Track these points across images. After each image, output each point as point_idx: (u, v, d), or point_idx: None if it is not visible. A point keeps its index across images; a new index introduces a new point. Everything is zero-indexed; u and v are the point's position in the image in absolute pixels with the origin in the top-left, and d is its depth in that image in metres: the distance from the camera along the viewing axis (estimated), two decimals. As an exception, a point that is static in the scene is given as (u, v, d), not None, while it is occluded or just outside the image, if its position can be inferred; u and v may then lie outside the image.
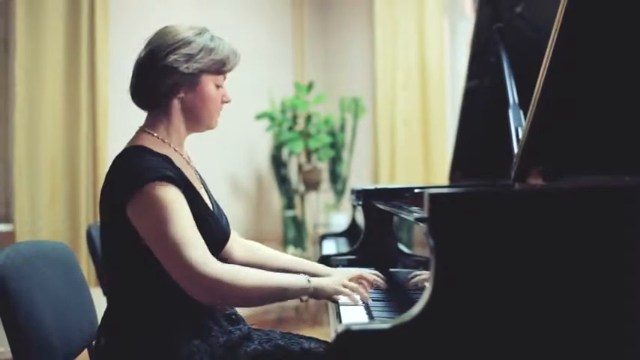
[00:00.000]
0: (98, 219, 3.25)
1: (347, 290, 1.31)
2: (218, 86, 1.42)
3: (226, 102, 1.45)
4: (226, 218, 1.50)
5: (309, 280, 1.29)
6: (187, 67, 1.34)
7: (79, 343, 1.44)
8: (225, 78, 1.44)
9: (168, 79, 1.34)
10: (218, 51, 1.39)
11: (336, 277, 1.37)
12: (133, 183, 1.24)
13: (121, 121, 3.44)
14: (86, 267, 3.08)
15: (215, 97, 1.41)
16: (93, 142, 3.31)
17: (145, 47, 1.39)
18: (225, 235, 1.46)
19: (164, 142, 1.39)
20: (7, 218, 3.23)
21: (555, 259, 0.90)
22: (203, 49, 1.37)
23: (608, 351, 0.90)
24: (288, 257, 1.64)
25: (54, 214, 3.19)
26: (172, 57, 1.34)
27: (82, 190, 3.26)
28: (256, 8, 4.48)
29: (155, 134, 1.39)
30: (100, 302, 1.61)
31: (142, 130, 1.40)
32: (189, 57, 1.35)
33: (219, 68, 1.40)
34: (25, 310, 1.23)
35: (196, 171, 1.49)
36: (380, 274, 1.44)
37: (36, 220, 3.13)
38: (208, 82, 1.39)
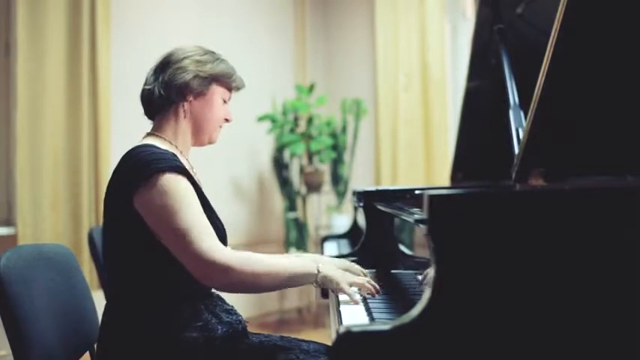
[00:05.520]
0: (100, 222, 3.27)
1: (350, 291, 1.32)
2: (224, 101, 1.49)
3: (227, 120, 1.52)
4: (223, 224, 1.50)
5: (318, 269, 1.30)
6: (202, 71, 1.43)
7: (80, 346, 1.44)
8: (229, 98, 1.52)
9: (181, 78, 1.41)
10: (227, 65, 1.49)
11: (345, 274, 1.35)
12: (142, 172, 1.27)
13: (123, 125, 3.45)
14: (88, 270, 3.08)
15: (220, 109, 1.48)
16: (95, 145, 3.31)
17: (159, 58, 1.47)
18: (225, 238, 1.46)
19: (171, 144, 1.43)
20: (10, 221, 3.23)
21: (556, 261, 0.90)
22: (216, 61, 1.47)
23: (610, 352, 0.90)
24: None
25: (56, 217, 3.20)
26: (188, 60, 1.43)
27: (84, 193, 3.26)
28: (257, 10, 4.49)
29: (163, 136, 1.44)
30: (101, 305, 1.60)
31: (148, 134, 1.46)
32: (204, 63, 1.44)
33: (228, 81, 1.48)
34: (26, 314, 1.23)
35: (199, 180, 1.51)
36: (376, 285, 1.38)
37: (38, 223, 3.14)
38: (217, 93, 1.47)
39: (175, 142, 1.44)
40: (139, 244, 1.29)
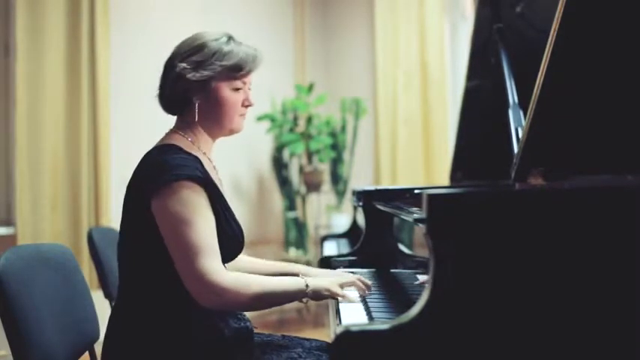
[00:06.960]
0: (99, 222, 3.28)
1: (342, 292, 1.32)
2: (237, 89, 1.42)
3: (248, 106, 1.45)
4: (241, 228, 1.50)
5: (307, 284, 1.29)
6: (194, 75, 1.36)
7: (79, 347, 1.44)
8: (245, 82, 1.43)
9: (179, 86, 1.38)
10: (231, 56, 1.38)
11: (332, 279, 1.36)
12: (163, 178, 1.25)
13: (123, 125, 3.45)
14: (87, 270, 3.08)
15: (233, 101, 1.41)
16: (94, 145, 3.31)
17: (165, 61, 1.43)
18: (242, 242, 1.46)
19: (193, 144, 1.41)
20: (9, 221, 3.23)
21: (555, 260, 0.90)
22: (214, 55, 1.37)
23: (610, 352, 0.89)
24: (269, 265, 1.62)
25: (55, 217, 3.20)
26: (182, 65, 1.36)
27: (84, 193, 3.26)
28: (257, 9, 4.48)
29: (185, 135, 1.41)
30: (101, 305, 1.60)
31: (172, 132, 1.44)
32: (198, 64, 1.36)
33: (231, 73, 1.39)
34: (25, 314, 1.23)
35: (219, 179, 1.50)
36: (367, 282, 1.39)
37: (37, 223, 3.14)
38: (222, 88, 1.39)
39: (197, 142, 1.42)
40: (152, 247, 1.28)
